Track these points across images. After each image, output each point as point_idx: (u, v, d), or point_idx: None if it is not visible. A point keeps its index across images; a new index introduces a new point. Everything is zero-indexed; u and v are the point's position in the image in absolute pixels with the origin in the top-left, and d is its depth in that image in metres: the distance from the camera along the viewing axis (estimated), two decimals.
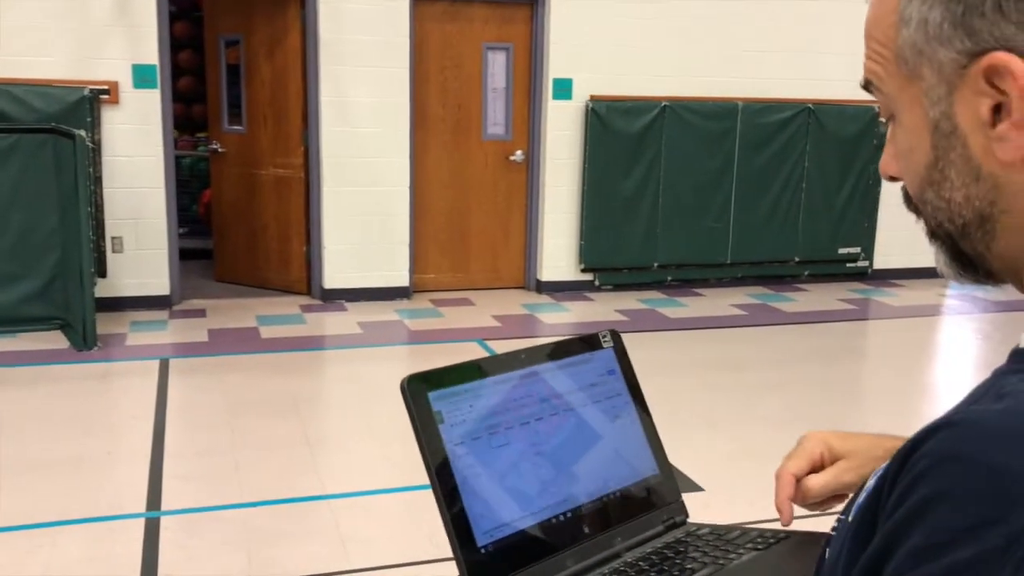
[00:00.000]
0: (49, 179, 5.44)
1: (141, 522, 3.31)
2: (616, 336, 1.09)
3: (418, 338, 5.87)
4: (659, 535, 0.99)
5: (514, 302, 6.73)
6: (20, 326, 5.52)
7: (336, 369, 5.44)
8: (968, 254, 0.62)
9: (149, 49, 5.92)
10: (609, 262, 7.03)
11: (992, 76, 0.55)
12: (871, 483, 0.57)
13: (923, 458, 0.51)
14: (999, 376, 0.58)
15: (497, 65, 6.76)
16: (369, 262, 6.58)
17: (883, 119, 0.65)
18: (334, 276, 6.56)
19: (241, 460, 3.86)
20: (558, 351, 1.02)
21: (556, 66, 6.69)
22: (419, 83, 6.55)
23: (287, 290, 6.77)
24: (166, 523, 3.31)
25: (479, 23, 6.66)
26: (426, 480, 2.85)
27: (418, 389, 0.90)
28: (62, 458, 3.84)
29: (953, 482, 0.49)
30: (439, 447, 0.89)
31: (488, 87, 6.78)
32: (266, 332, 5.83)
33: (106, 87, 5.85)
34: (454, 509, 0.86)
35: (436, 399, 0.92)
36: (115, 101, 5.90)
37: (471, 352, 5.49)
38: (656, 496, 1.02)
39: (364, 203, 6.50)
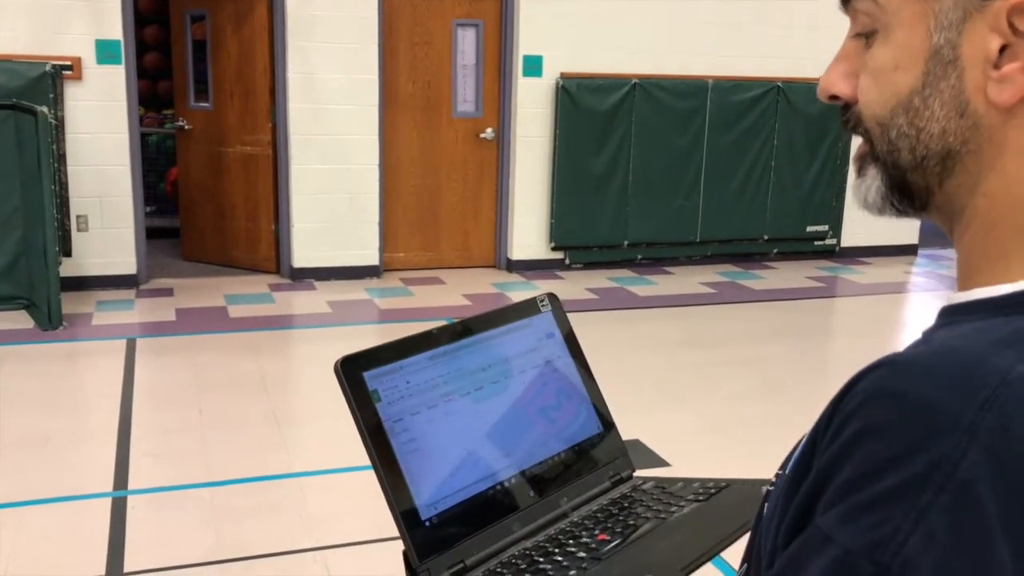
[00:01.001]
0: (11, 156, 5.36)
1: (108, 501, 3.30)
2: (554, 299, 1.10)
3: (388, 317, 5.86)
4: (605, 492, 1.01)
5: (484, 281, 6.73)
6: None
7: (305, 348, 5.43)
8: (913, 187, 0.61)
9: (113, 24, 5.83)
10: (579, 240, 7.05)
11: (1015, 15, 0.54)
12: (806, 436, 0.59)
13: (855, 396, 0.52)
14: (928, 333, 0.60)
15: (467, 42, 6.72)
16: (338, 241, 6.55)
17: (858, 31, 0.62)
18: (303, 255, 6.53)
19: (209, 438, 3.85)
20: (494, 319, 1.02)
21: (526, 43, 6.67)
22: (388, 59, 6.51)
23: (256, 269, 6.72)
24: (133, 502, 3.29)
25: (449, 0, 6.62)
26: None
27: (352, 370, 0.89)
28: (28, 438, 3.81)
29: (883, 415, 0.50)
30: (377, 426, 0.89)
31: (458, 64, 6.75)
32: (234, 311, 5.80)
33: (69, 63, 5.75)
34: (396, 486, 0.86)
35: (371, 378, 0.92)
36: (78, 77, 5.81)
37: None
38: (601, 453, 1.03)
39: (333, 181, 6.45)
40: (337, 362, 0.88)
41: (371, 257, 6.66)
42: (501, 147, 6.92)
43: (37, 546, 2.97)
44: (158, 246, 7.04)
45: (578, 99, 6.77)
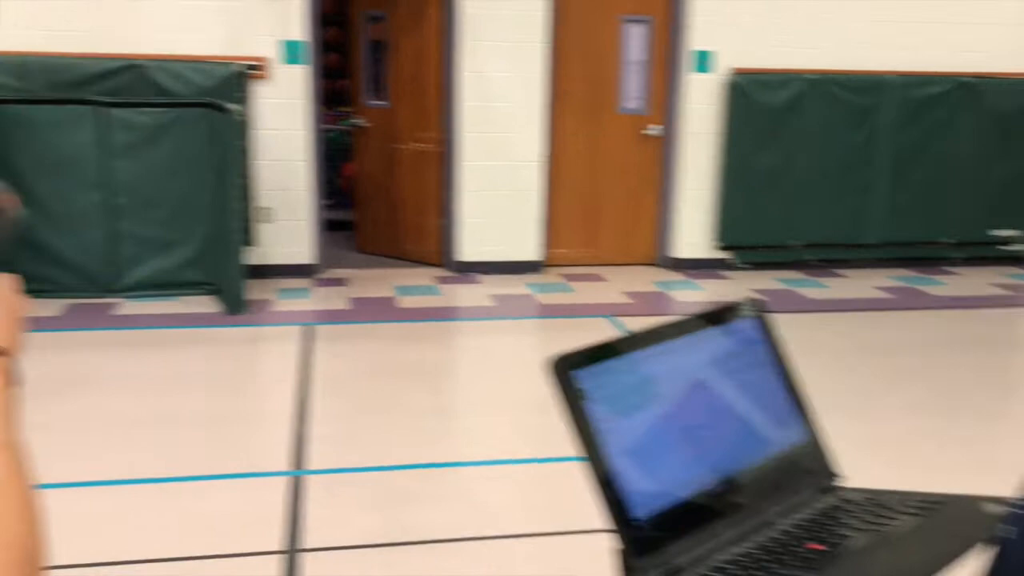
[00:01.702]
0: (203, 151, 5.73)
1: (285, 480, 3.48)
2: (759, 304, 1.09)
3: (548, 312, 5.91)
4: (811, 502, 0.99)
5: (646, 279, 6.68)
6: (177, 290, 5.86)
7: (469, 340, 5.55)
8: None
9: (298, 26, 6.13)
10: (746, 240, 6.88)
11: None
12: None
13: None
14: None
15: (635, 38, 6.68)
16: (502, 236, 6.66)
17: None
18: (468, 249, 6.67)
19: (380, 424, 4.00)
20: (699, 322, 1.02)
21: (697, 38, 6.56)
22: (556, 56, 6.55)
23: (423, 262, 6.92)
24: (308, 482, 3.47)
25: None
26: (556, 453, 2.89)
27: (564, 369, 0.91)
28: (213, 415, 4.07)
29: None
30: (588, 425, 0.91)
31: (625, 60, 6.71)
32: (403, 302, 5.99)
33: (257, 63, 6.09)
34: (608, 485, 0.88)
35: (582, 378, 0.93)
36: (265, 76, 6.14)
37: (601, 328, 5.49)
38: (807, 461, 1.02)
39: (499, 177, 6.56)
40: (548, 360, 0.90)
41: (533, 252, 6.73)
42: (667, 143, 6.84)
43: (219, 519, 3.17)
44: (333, 238, 7.36)
45: (749, 95, 6.60)
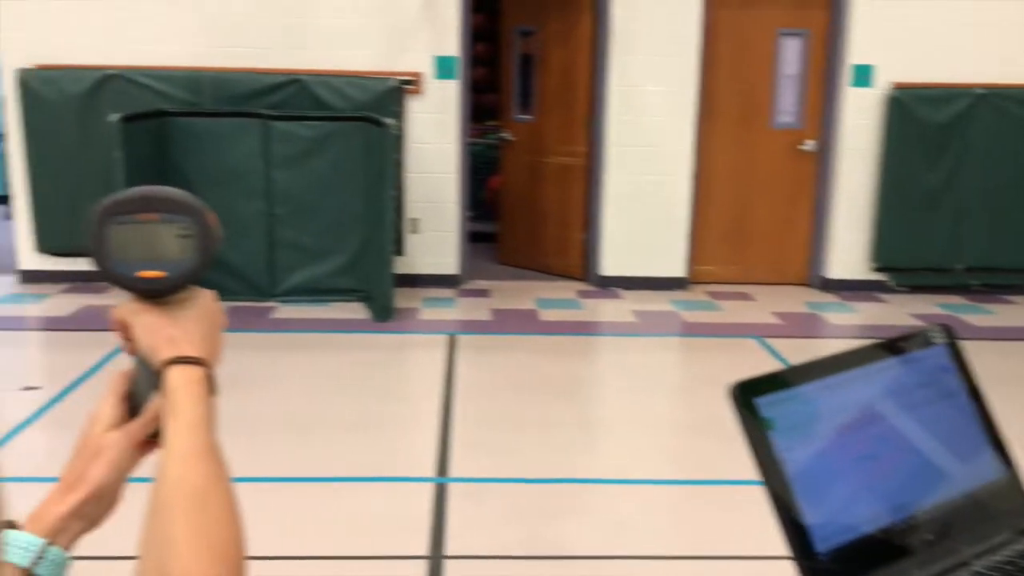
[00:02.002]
0: (358, 163, 5.92)
1: (430, 486, 3.53)
2: (949, 331, 1.02)
3: (693, 330, 5.79)
4: (1010, 542, 0.91)
5: (797, 299, 6.46)
6: (329, 296, 6.08)
7: (611, 355, 5.50)
8: None
9: (451, 42, 6.26)
10: (905, 262, 6.56)
11: None
12: None
13: None
14: None
15: (791, 51, 6.50)
16: (646, 251, 6.59)
17: None
18: (611, 263, 6.63)
19: (522, 435, 4.01)
20: (885, 350, 0.96)
21: (856, 52, 6.32)
22: (707, 71, 6.44)
23: (565, 275, 6.93)
24: (453, 489, 3.50)
25: (774, 8, 6.43)
26: (700, 475, 2.82)
27: (746, 395, 0.88)
28: (361, 419, 4.18)
29: None
30: (771, 454, 0.87)
31: (780, 74, 6.54)
32: (545, 315, 6.01)
33: (411, 78, 6.26)
34: (791, 516, 0.84)
35: (765, 405, 0.89)
36: (418, 91, 6.30)
37: (748, 349, 5.34)
38: (1003, 500, 0.94)
39: (645, 192, 6.50)
40: (731, 387, 0.87)
41: (678, 269, 6.63)
42: (822, 160, 6.61)
43: (367, 521, 3.24)
44: (477, 250, 7.46)
45: (912, 110, 6.30)
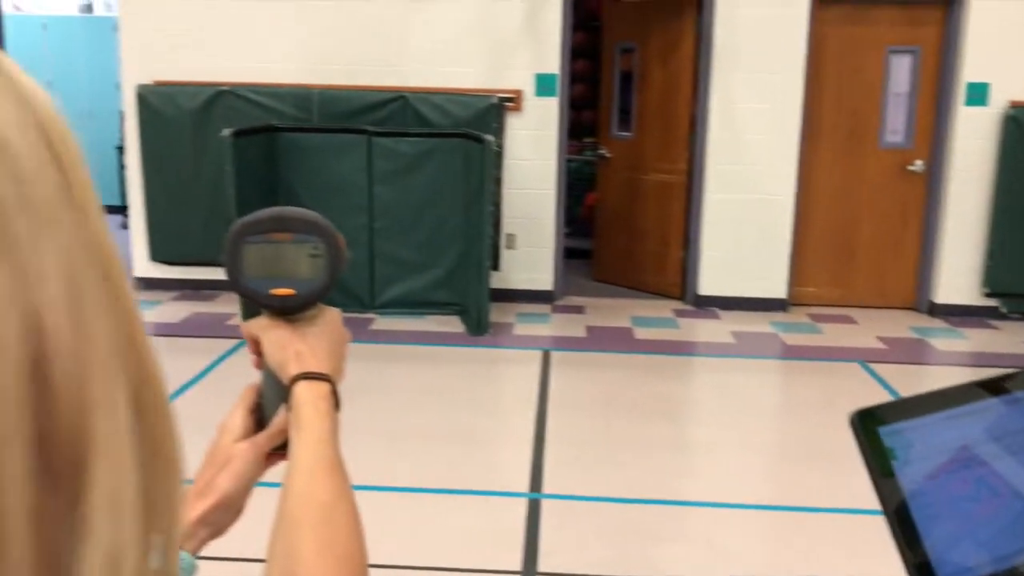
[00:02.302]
0: (458, 178, 6.00)
1: (524, 502, 3.54)
2: None
3: (794, 353, 5.66)
4: None
5: (902, 324, 6.25)
6: (426, 309, 6.16)
7: (708, 376, 5.42)
8: None
9: (552, 59, 6.30)
10: (1019, 287, 6.28)
11: None
12: None
13: None
14: None
15: (901, 69, 6.31)
16: (746, 271, 6.47)
17: None
18: (709, 283, 6.54)
19: (617, 455, 3.98)
20: (988, 389, 0.92)
21: (971, 69, 6.10)
22: (812, 89, 6.31)
23: (661, 294, 6.86)
24: (546, 506, 3.50)
25: (884, 25, 6.26)
26: (800, 503, 2.73)
27: (868, 424, 0.85)
28: (455, 432, 4.22)
29: None
30: (894, 487, 0.84)
31: (889, 93, 6.36)
32: (640, 333, 5.96)
33: (512, 95, 6.31)
34: (915, 552, 0.81)
35: (888, 435, 0.86)
36: (518, 108, 6.35)
37: (851, 374, 5.19)
38: None
39: (745, 210, 6.40)
40: (852, 414, 0.84)
41: (778, 290, 6.49)
42: (931, 180, 6.39)
43: (461, 534, 3.27)
44: (571, 266, 7.45)
45: None
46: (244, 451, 0.81)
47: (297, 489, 0.72)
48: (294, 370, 0.78)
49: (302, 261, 0.82)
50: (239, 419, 0.83)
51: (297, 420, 0.76)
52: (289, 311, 0.82)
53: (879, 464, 0.84)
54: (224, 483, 0.79)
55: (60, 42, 9.69)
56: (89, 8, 10.01)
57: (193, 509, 0.78)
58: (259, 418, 0.85)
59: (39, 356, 0.31)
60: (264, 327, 0.82)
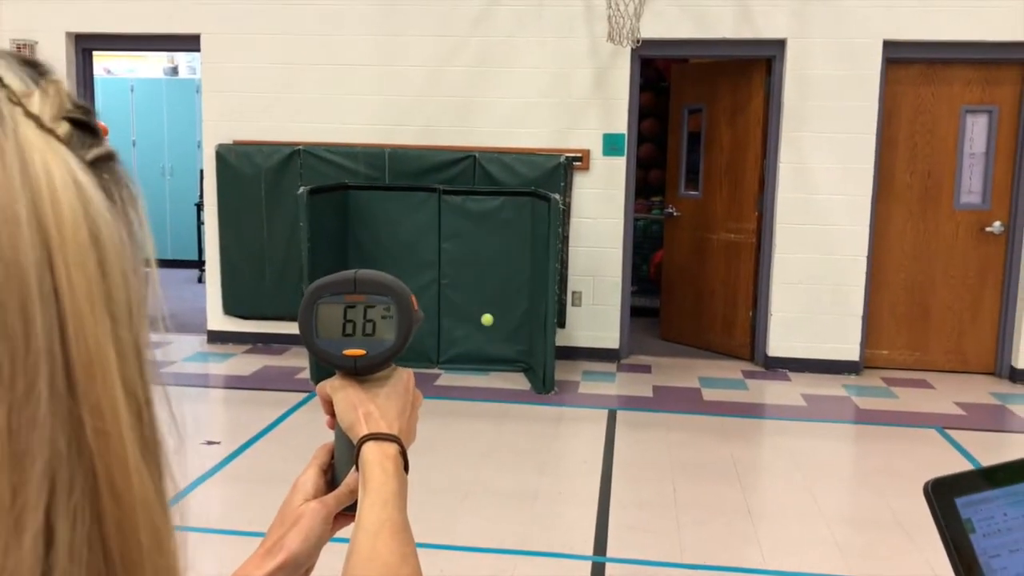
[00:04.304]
0: (525, 236, 6.04)
1: (588, 564, 3.47)
2: None
3: (867, 418, 5.50)
4: None
5: (981, 389, 6.03)
6: (491, 365, 6.17)
7: (778, 440, 5.29)
8: None
9: (619, 119, 6.34)
10: None
11: None
12: None
13: None
14: None
15: (977, 129, 6.20)
16: (817, 332, 6.35)
17: None
18: (779, 344, 6.42)
19: (683, 519, 3.89)
20: None
21: None
22: (886, 148, 6.23)
23: (730, 354, 6.76)
24: (611, 570, 3.43)
25: (958, 85, 6.18)
26: (871, 573, 2.63)
27: (944, 494, 0.82)
28: (520, 491, 4.18)
29: None
30: (973, 560, 0.81)
31: (964, 152, 6.24)
32: (708, 394, 5.86)
33: (579, 154, 6.37)
34: None
35: (964, 505, 0.83)
36: (586, 167, 6.39)
37: (928, 440, 5.02)
38: None
39: (816, 271, 6.30)
40: (927, 484, 0.81)
41: (851, 352, 6.34)
42: (1011, 242, 6.22)
43: None
44: (638, 324, 7.41)
45: None
46: (314, 511, 0.81)
47: (361, 551, 0.72)
48: (362, 431, 0.79)
49: (374, 322, 0.83)
50: (311, 478, 0.83)
51: (364, 481, 0.76)
52: (360, 371, 0.83)
53: (956, 537, 0.81)
54: (293, 543, 0.79)
55: (146, 103, 10.12)
56: (174, 71, 10.44)
57: (261, 568, 0.78)
58: (331, 478, 0.85)
59: None
60: (336, 387, 0.83)
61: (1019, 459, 0.86)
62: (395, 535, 0.73)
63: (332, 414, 0.84)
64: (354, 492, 0.79)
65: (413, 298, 0.85)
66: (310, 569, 0.82)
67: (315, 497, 0.82)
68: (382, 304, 0.83)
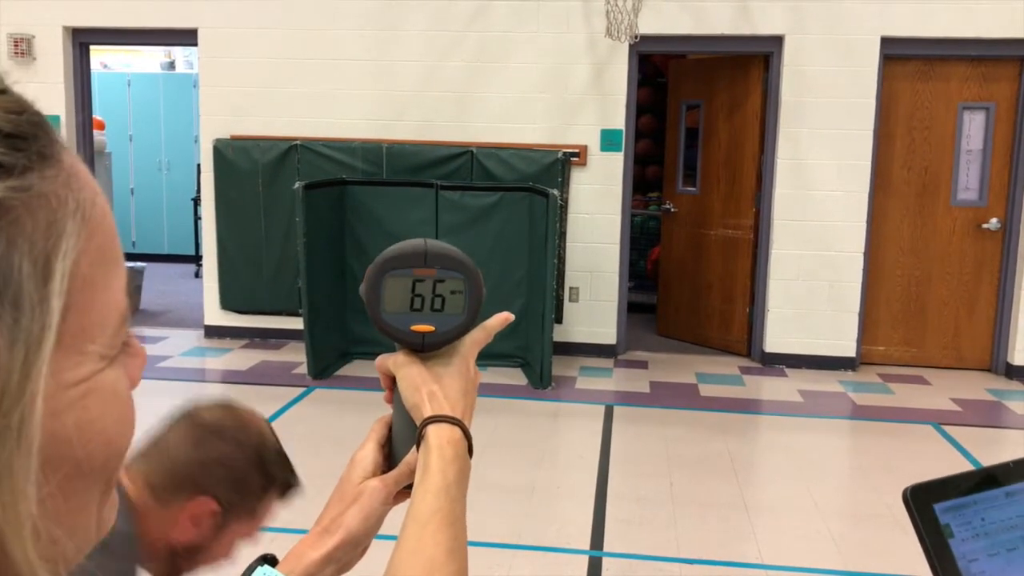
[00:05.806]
0: (523, 232, 6.05)
1: (585, 559, 3.48)
2: None
3: (863, 414, 5.51)
4: None
5: (977, 385, 6.05)
6: (489, 360, 6.17)
7: (775, 436, 5.30)
8: None
9: (617, 115, 6.34)
10: None
11: None
12: None
13: None
14: None
15: (974, 125, 6.21)
16: (813, 328, 6.36)
17: None
18: (776, 340, 6.43)
19: (679, 514, 3.90)
20: None
21: None
22: (883, 145, 6.24)
23: (726, 350, 6.77)
24: (607, 564, 3.44)
25: (955, 82, 6.18)
26: (868, 568, 2.65)
27: (923, 500, 0.82)
28: (516, 486, 4.19)
29: None
30: (951, 565, 0.81)
31: (961, 149, 6.25)
32: (705, 390, 5.87)
33: (576, 150, 6.37)
34: None
35: (943, 511, 0.83)
36: (583, 163, 6.39)
37: (924, 436, 5.04)
38: None
39: (813, 267, 6.30)
40: (906, 491, 0.82)
41: (847, 348, 6.35)
42: (1007, 239, 6.23)
43: None
44: (635, 320, 7.42)
45: None
46: (374, 489, 0.79)
47: (408, 543, 0.70)
48: (427, 412, 0.76)
49: (443, 297, 0.79)
50: (370, 453, 0.81)
51: (424, 466, 0.74)
52: (428, 348, 0.80)
53: (935, 542, 0.81)
54: (352, 521, 0.77)
55: (143, 98, 10.10)
56: (171, 66, 10.43)
57: (319, 546, 0.76)
58: (388, 452, 0.83)
59: None
60: (400, 363, 0.79)
61: (996, 464, 0.86)
62: (445, 527, 0.71)
63: (391, 388, 0.81)
64: (415, 472, 0.76)
65: (480, 274, 0.81)
66: (366, 548, 0.80)
67: (374, 473, 0.80)
68: (453, 279, 0.79)
